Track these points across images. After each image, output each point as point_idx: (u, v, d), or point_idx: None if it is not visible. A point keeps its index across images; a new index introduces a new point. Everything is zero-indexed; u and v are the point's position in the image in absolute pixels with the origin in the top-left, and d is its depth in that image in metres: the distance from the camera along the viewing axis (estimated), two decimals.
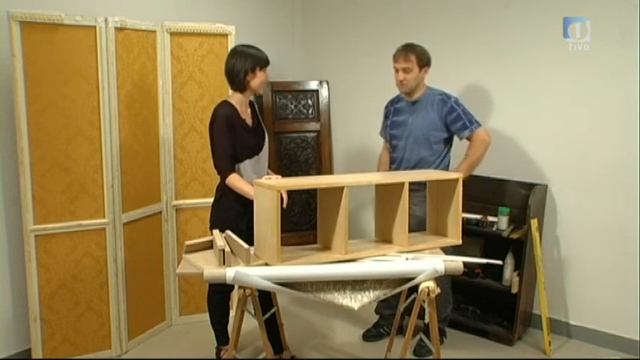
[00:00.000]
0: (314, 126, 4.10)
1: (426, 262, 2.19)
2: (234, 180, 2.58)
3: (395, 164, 3.01)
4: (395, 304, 2.95)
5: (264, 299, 2.55)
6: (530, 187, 3.17)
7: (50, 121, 2.70)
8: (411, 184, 2.49)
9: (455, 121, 2.84)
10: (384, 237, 2.54)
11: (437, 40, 3.58)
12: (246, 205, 2.53)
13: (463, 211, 2.56)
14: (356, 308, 2.12)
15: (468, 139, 2.87)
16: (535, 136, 3.28)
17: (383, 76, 3.70)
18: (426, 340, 2.54)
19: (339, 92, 4.11)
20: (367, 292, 2.15)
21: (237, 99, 2.65)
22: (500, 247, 3.23)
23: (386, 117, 3.08)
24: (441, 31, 3.56)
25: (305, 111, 4.10)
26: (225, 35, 3.22)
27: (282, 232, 2.18)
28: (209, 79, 3.22)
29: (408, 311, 2.60)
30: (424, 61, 2.86)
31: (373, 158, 3.39)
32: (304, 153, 4.07)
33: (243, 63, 2.58)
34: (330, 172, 4.20)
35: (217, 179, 2.69)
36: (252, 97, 2.76)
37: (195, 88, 3.20)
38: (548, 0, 3.14)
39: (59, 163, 2.75)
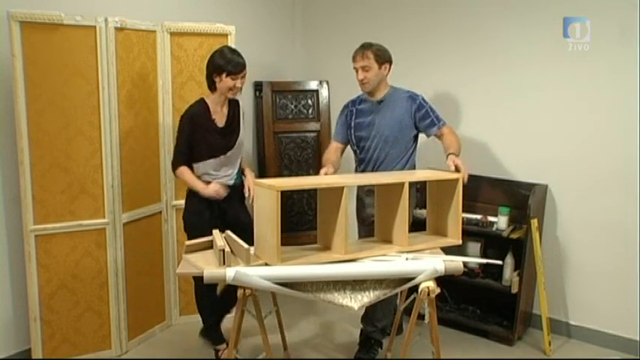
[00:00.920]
0: (314, 126, 4.10)
1: (426, 262, 2.19)
2: (181, 173, 2.73)
3: (363, 165, 2.91)
4: (376, 322, 2.95)
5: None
6: (530, 187, 3.17)
7: (50, 121, 2.70)
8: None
9: (424, 118, 2.81)
10: (383, 237, 2.54)
11: (437, 41, 3.59)
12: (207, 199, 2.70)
13: (463, 211, 2.56)
14: (356, 308, 2.12)
15: (436, 135, 2.83)
16: (535, 136, 3.28)
17: None
18: None
19: (339, 92, 4.11)
20: (367, 292, 2.15)
21: (212, 98, 2.74)
22: (500, 247, 3.23)
23: (346, 118, 2.96)
24: (441, 32, 3.56)
25: (305, 111, 4.10)
26: (225, 35, 3.22)
27: (282, 232, 2.18)
28: None
29: (408, 311, 2.60)
30: (383, 58, 2.79)
31: None
32: (304, 153, 4.07)
33: (213, 64, 2.66)
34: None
35: None
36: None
37: (195, 88, 3.19)
38: (548, 0, 3.14)
39: (59, 163, 2.75)
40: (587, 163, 3.13)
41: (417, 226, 2.91)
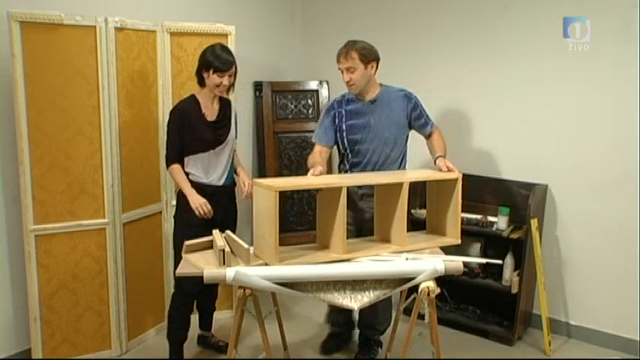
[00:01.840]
0: (314, 126, 4.05)
1: (426, 262, 2.19)
2: (174, 172, 2.73)
3: (359, 168, 2.77)
4: (378, 326, 2.96)
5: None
6: (530, 187, 3.17)
7: (50, 121, 2.69)
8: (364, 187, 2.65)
9: (419, 117, 2.76)
10: (383, 237, 2.54)
11: (436, 40, 3.59)
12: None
13: (463, 211, 2.56)
14: (356, 308, 2.12)
15: (425, 135, 2.80)
16: (535, 136, 3.28)
17: (383, 76, 3.70)
18: None
19: (339, 92, 4.08)
20: (367, 292, 2.15)
21: (202, 94, 2.75)
22: (500, 247, 3.23)
23: (333, 121, 2.79)
24: (441, 32, 3.56)
25: (305, 111, 4.10)
26: (225, 35, 3.21)
27: (282, 232, 2.18)
28: None
29: (408, 311, 2.60)
30: (368, 58, 2.65)
31: None
32: (304, 153, 4.06)
33: (202, 60, 2.67)
34: (329, 172, 4.19)
35: None
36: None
37: (196, 88, 3.16)
38: (548, 0, 3.14)
39: (59, 163, 2.75)
40: (588, 163, 3.13)
41: (416, 225, 2.91)
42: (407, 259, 2.30)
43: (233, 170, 2.88)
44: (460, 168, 2.56)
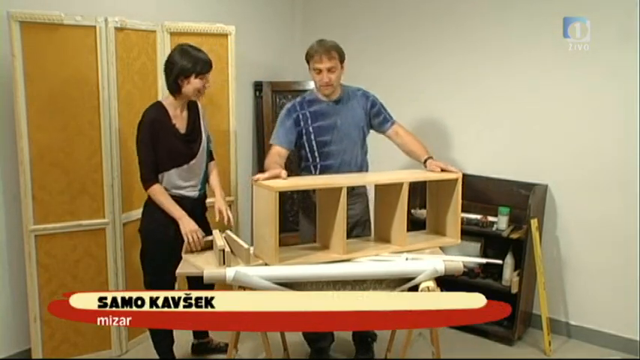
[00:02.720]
0: None
1: (426, 262, 2.19)
2: (156, 193, 2.49)
3: (332, 171, 2.65)
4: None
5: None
6: (530, 187, 3.17)
7: (50, 121, 2.69)
8: (353, 187, 2.61)
9: (377, 114, 2.72)
10: (383, 237, 2.54)
11: (436, 40, 3.59)
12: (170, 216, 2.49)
13: (463, 211, 2.56)
14: None
15: (388, 135, 2.73)
16: (535, 136, 3.28)
17: (383, 76, 3.71)
18: None
19: None
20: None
21: (170, 101, 2.54)
22: (500, 247, 3.23)
23: (295, 123, 2.65)
24: (441, 31, 3.56)
25: None
26: (225, 35, 3.22)
27: (282, 232, 2.18)
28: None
29: None
30: (343, 57, 2.59)
31: (372, 158, 3.38)
32: None
33: (177, 67, 2.44)
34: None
35: None
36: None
37: None
38: (548, 0, 3.14)
39: (59, 163, 2.75)
40: (587, 163, 3.12)
41: (416, 225, 2.91)
42: (407, 259, 2.30)
43: (206, 180, 2.73)
44: (460, 168, 2.56)
